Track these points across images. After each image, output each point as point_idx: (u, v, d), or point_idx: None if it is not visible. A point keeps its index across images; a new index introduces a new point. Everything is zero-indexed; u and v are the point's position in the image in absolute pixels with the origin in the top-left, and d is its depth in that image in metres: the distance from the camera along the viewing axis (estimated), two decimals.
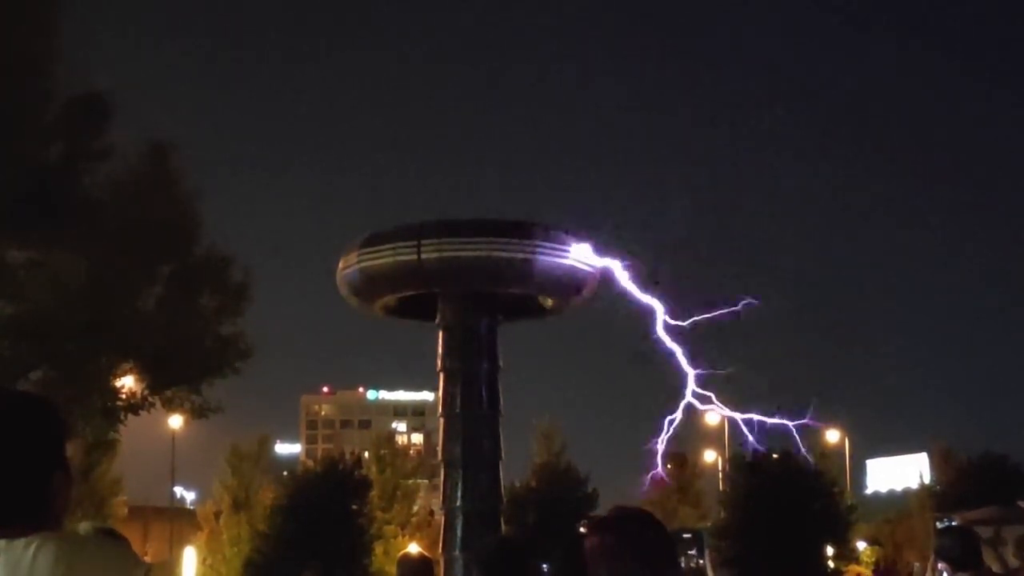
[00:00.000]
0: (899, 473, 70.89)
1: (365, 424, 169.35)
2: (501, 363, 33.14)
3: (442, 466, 32.96)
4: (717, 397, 32.47)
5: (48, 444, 2.84)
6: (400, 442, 79.35)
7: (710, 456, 66.23)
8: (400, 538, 51.33)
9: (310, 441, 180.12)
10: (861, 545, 56.84)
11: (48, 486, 2.79)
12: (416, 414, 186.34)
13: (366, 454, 55.35)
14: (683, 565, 34.37)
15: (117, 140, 27.67)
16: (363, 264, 32.75)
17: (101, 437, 35.13)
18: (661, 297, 32.11)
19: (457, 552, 31.62)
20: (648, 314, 31.96)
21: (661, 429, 32.96)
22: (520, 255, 31.90)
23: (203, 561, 51.35)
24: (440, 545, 32.71)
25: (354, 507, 46.42)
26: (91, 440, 38.22)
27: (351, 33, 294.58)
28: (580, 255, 32.49)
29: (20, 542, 2.66)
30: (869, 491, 75.41)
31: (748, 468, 46.14)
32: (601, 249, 32.26)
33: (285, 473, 55.22)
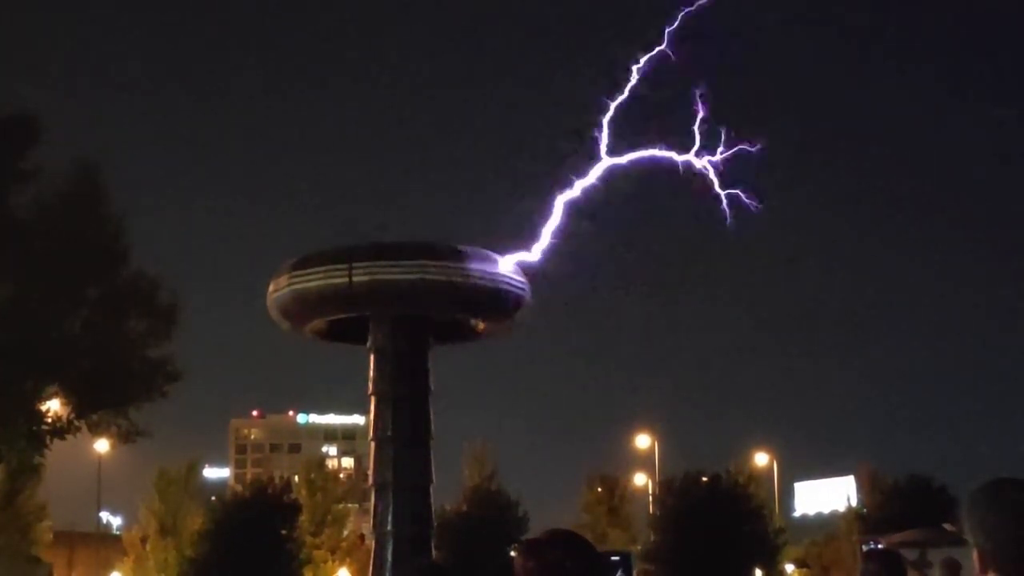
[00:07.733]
0: (827, 496, 71.47)
1: (295, 448, 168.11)
2: (432, 386, 33.09)
3: (373, 490, 32.81)
4: None
5: None
6: (331, 466, 79.00)
7: (640, 480, 66.52)
8: (330, 563, 51.05)
9: (239, 465, 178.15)
10: (789, 568, 57.35)
11: None
12: (347, 438, 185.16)
13: (296, 478, 55.03)
14: None
15: (44, 161, 27.44)
16: (294, 287, 32.57)
17: (26, 462, 34.67)
18: None
19: None
20: None
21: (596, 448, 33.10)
22: (451, 278, 31.88)
23: None
24: (370, 570, 32.55)
25: (283, 532, 46.01)
26: (16, 465, 37.70)
27: (281, 52, 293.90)
28: (511, 278, 32.56)
29: None
30: (797, 514, 75.95)
31: (678, 491, 46.40)
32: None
33: (213, 498, 54.69)
